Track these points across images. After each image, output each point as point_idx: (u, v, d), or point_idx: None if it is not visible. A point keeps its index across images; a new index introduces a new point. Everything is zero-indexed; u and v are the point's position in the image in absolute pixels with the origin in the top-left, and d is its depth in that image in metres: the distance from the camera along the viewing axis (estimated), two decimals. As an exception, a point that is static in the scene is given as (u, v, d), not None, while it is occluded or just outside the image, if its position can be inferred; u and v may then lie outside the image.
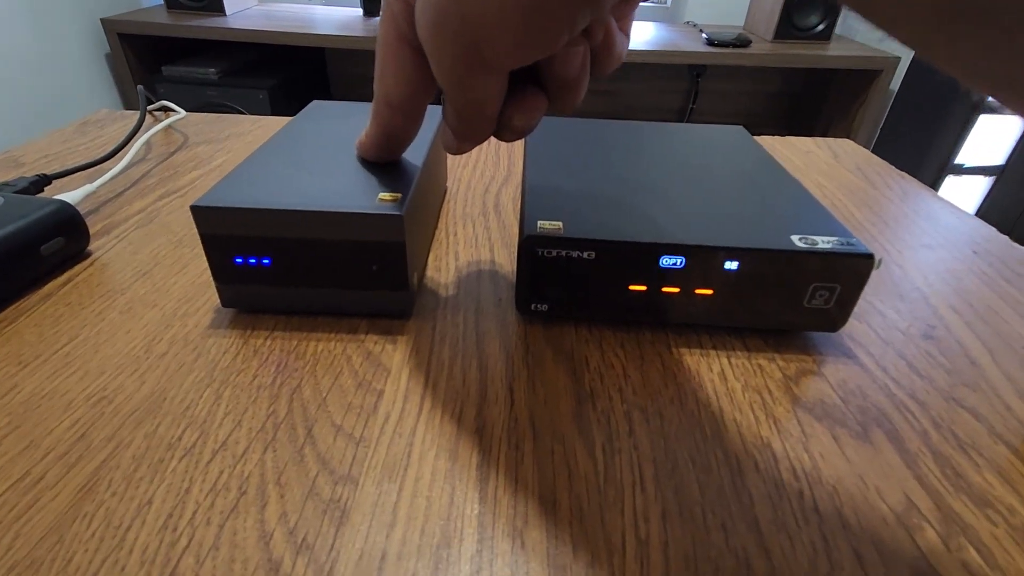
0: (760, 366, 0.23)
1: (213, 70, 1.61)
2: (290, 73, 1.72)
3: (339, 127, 0.30)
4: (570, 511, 0.17)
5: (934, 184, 1.63)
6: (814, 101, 1.84)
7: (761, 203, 0.25)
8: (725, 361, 0.23)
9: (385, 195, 0.23)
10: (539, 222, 0.23)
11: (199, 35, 1.52)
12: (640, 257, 0.23)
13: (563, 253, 0.23)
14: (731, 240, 0.23)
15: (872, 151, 1.66)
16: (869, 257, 0.22)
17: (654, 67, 1.85)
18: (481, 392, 0.21)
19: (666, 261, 0.23)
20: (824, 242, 0.23)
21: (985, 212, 1.68)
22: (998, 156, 1.61)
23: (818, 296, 0.23)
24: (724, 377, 0.23)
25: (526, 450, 0.19)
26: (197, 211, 0.22)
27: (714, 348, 0.24)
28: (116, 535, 0.16)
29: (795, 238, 0.23)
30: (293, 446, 0.19)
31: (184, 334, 0.23)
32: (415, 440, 0.19)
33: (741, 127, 0.35)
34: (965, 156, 1.60)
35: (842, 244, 0.23)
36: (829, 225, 0.24)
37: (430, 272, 0.29)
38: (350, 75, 1.93)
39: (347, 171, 0.25)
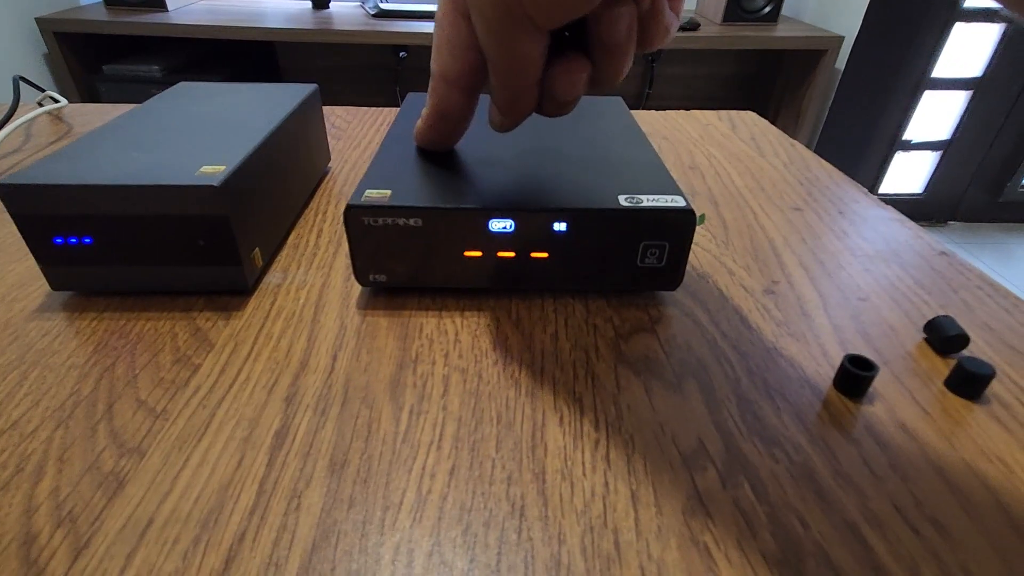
0: (595, 326, 0.23)
1: (157, 68, 1.56)
2: (238, 68, 1.68)
3: (195, 106, 0.29)
4: (357, 472, 0.17)
5: (883, 160, 1.67)
6: (766, 82, 1.87)
7: (603, 168, 0.26)
8: (562, 323, 0.24)
9: (208, 168, 0.23)
10: (367, 191, 0.23)
11: (140, 32, 1.48)
12: (468, 222, 0.23)
13: (390, 221, 0.22)
14: (558, 202, 0.23)
15: (822, 130, 1.69)
16: (690, 212, 0.22)
17: (609, 53, 1.85)
18: (303, 362, 0.21)
19: (496, 225, 0.23)
20: (649, 200, 0.23)
21: (934, 185, 1.73)
22: (944, 131, 1.65)
23: (650, 255, 0.23)
24: (556, 338, 0.23)
25: (330, 415, 0.19)
26: (4, 189, 0.21)
27: (554, 311, 0.24)
28: None
29: (622, 198, 0.23)
30: (88, 423, 0.18)
31: (6, 319, 0.23)
32: (218, 411, 0.19)
33: (619, 98, 0.36)
34: (912, 132, 1.64)
35: (666, 201, 0.23)
36: (661, 185, 0.24)
37: (287, 249, 0.28)
38: (303, 68, 1.90)
39: (182, 147, 0.24)
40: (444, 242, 0.23)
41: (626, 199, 0.23)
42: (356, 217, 0.22)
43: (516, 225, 0.23)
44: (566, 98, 0.19)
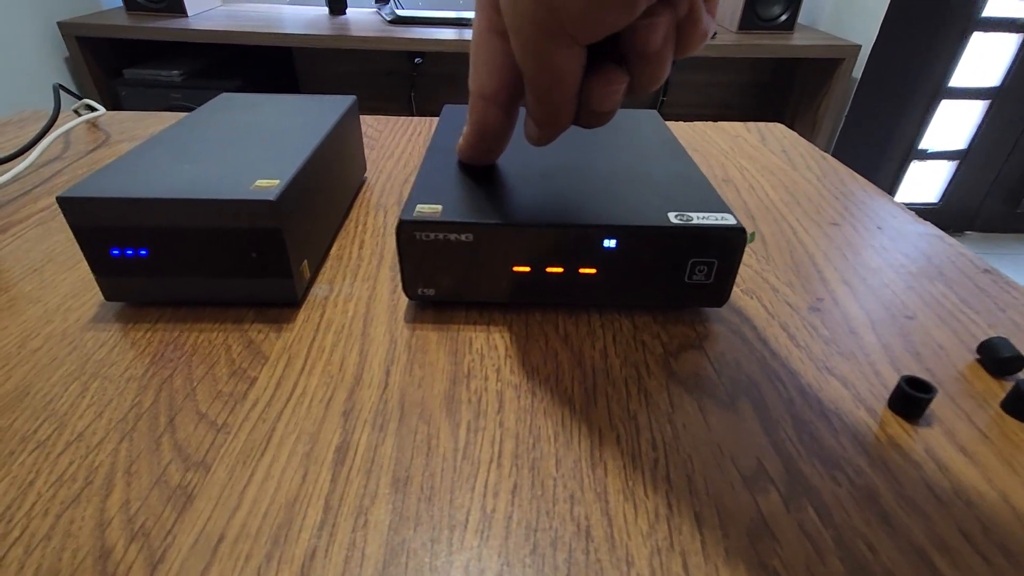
0: (643, 342, 0.23)
1: (176, 72, 1.58)
2: (256, 74, 1.70)
3: (240, 117, 0.30)
4: (420, 488, 0.17)
5: (899, 170, 1.66)
6: (782, 91, 1.86)
7: (648, 184, 0.26)
8: (610, 339, 0.24)
9: (263, 182, 0.23)
10: (418, 206, 0.23)
11: (160, 37, 1.50)
12: (519, 238, 0.23)
13: (441, 236, 0.23)
14: (608, 219, 0.23)
15: (838, 139, 1.68)
16: (741, 231, 0.22)
17: (623, 60, 1.86)
18: (356, 376, 0.21)
19: (545, 242, 0.23)
20: (699, 218, 0.23)
21: (950, 196, 1.71)
22: (960, 141, 1.64)
23: (698, 271, 0.23)
24: (605, 354, 0.23)
25: (389, 431, 0.19)
26: (64, 203, 0.22)
27: (601, 327, 0.24)
28: (-52, 528, 0.16)
29: (671, 215, 0.23)
30: (152, 435, 0.19)
31: (63, 329, 0.23)
32: (279, 425, 0.19)
33: (654, 111, 0.36)
34: (928, 141, 1.63)
35: (716, 219, 0.23)
36: (709, 202, 0.24)
37: (331, 261, 0.28)
38: (320, 73, 1.92)
39: (233, 159, 0.25)
40: (493, 257, 0.23)
41: (676, 216, 0.23)
42: (408, 232, 0.22)
43: (566, 242, 0.23)
44: (604, 109, 0.19)
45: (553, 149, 0.29)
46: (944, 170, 1.69)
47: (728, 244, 0.23)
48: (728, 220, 0.23)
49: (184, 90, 1.58)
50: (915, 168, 1.67)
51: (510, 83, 0.21)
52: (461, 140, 0.25)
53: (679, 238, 0.23)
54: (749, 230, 0.30)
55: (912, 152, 1.63)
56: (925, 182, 1.71)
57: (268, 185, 0.23)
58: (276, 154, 0.25)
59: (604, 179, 0.26)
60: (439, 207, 0.23)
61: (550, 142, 0.22)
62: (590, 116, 0.20)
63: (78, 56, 1.54)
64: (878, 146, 1.63)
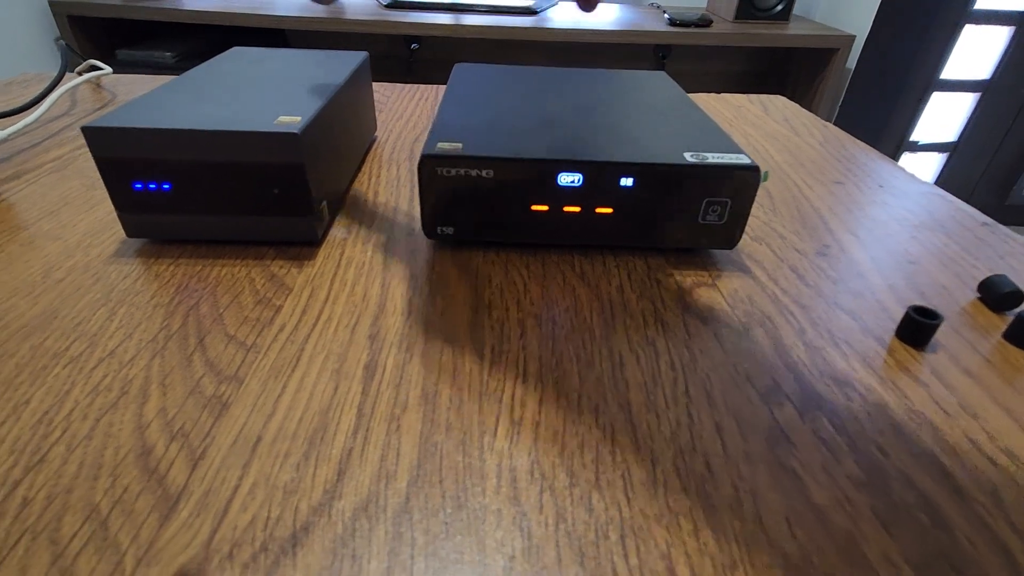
0: (658, 280, 0.24)
1: (170, 54, 1.57)
2: (250, 56, 1.68)
3: (252, 68, 0.30)
4: (449, 400, 0.18)
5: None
6: (777, 81, 1.87)
7: (663, 129, 0.26)
8: (625, 277, 0.24)
9: (284, 118, 0.23)
10: (439, 143, 0.23)
11: (154, 17, 1.48)
12: (538, 174, 0.23)
13: (462, 172, 0.23)
14: (625, 157, 0.23)
15: (831, 129, 1.69)
16: (755, 169, 0.23)
17: (618, 47, 1.86)
18: (380, 305, 0.22)
19: (564, 179, 0.23)
20: (714, 157, 0.23)
21: (941, 186, 1.73)
22: (951, 133, 1.66)
23: (712, 212, 0.24)
24: (621, 290, 0.23)
25: (415, 351, 0.19)
26: (90, 132, 0.22)
27: (617, 266, 0.25)
28: (-12, 430, 0.16)
29: (687, 154, 0.24)
30: (183, 353, 0.19)
31: (85, 263, 0.23)
32: (307, 346, 0.20)
33: (664, 73, 0.36)
34: (920, 133, 1.65)
35: (731, 159, 0.23)
36: (723, 145, 0.25)
37: (347, 208, 0.29)
38: (314, 59, 1.90)
39: (253, 101, 0.25)
40: (512, 195, 0.24)
41: (692, 155, 0.23)
42: (430, 167, 0.23)
43: (584, 179, 0.23)
44: None
45: (568, 96, 0.30)
46: (935, 162, 1.71)
47: (743, 182, 0.23)
48: (742, 159, 0.23)
49: (176, 71, 1.56)
50: (906, 159, 1.69)
51: None
52: None
53: (695, 176, 0.23)
54: (767, 171, 0.30)
55: (904, 143, 1.65)
56: (916, 174, 1.73)
57: (291, 121, 0.23)
58: (295, 97, 0.26)
59: (620, 123, 0.26)
60: (460, 144, 0.23)
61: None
62: None
63: (69, 35, 1.52)
64: (871, 137, 1.65)
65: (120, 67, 1.56)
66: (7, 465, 0.15)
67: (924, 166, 1.71)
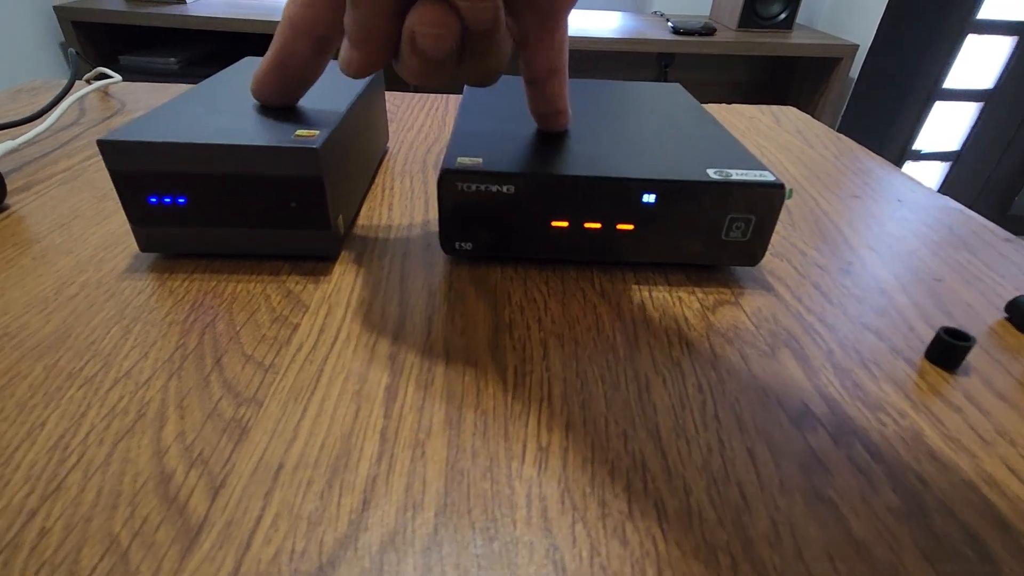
0: (680, 298, 0.24)
1: (173, 60, 1.57)
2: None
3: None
4: (474, 425, 0.17)
5: (894, 169, 1.68)
6: (779, 89, 1.88)
7: (683, 143, 0.26)
8: (646, 294, 0.24)
9: (303, 131, 0.23)
10: (459, 158, 0.23)
11: (158, 23, 1.48)
12: (559, 191, 0.23)
13: (482, 187, 0.23)
14: (648, 173, 0.23)
15: (834, 137, 1.69)
16: (780, 186, 0.23)
17: (623, 56, 1.87)
18: (399, 324, 0.21)
19: (585, 195, 0.23)
20: (738, 174, 0.23)
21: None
22: (954, 142, 1.66)
23: (735, 228, 0.24)
24: (644, 308, 0.23)
25: (437, 373, 0.19)
26: (105, 146, 0.21)
27: (637, 283, 0.24)
28: (3, 454, 0.15)
29: (711, 171, 0.23)
30: (199, 374, 0.19)
31: (98, 278, 0.23)
32: (326, 367, 0.19)
33: (678, 84, 0.36)
34: (923, 142, 1.65)
35: (755, 176, 0.23)
36: (745, 161, 0.24)
37: (361, 221, 0.28)
38: (317, 66, 1.90)
39: (269, 113, 0.25)
40: (533, 211, 0.23)
41: (715, 172, 0.23)
42: (450, 182, 0.23)
43: (605, 196, 0.23)
44: (429, 49, 0.18)
45: (585, 109, 0.29)
46: (937, 171, 1.72)
47: (768, 199, 0.23)
48: (767, 176, 0.23)
49: (181, 78, 1.57)
50: (909, 168, 1.69)
51: (325, 19, 0.20)
52: (258, 70, 0.23)
53: (719, 193, 0.23)
54: (792, 188, 0.30)
55: (907, 152, 1.65)
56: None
57: (309, 135, 0.22)
58: (311, 110, 0.25)
59: (640, 137, 0.26)
60: (480, 159, 0.23)
61: (364, 73, 0.19)
62: (412, 57, 0.18)
63: (74, 41, 1.52)
64: (874, 146, 1.65)
65: (124, 73, 1.56)
66: (23, 492, 0.15)
67: (927, 175, 1.71)
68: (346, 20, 0.18)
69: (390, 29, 0.18)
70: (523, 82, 0.25)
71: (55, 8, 1.48)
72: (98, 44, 1.58)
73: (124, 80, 0.46)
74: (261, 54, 1.72)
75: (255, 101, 0.26)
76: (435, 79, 0.19)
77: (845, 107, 1.65)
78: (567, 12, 0.22)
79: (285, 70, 0.22)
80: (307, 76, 0.23)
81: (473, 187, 0.23)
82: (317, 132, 0.23)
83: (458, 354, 0.20)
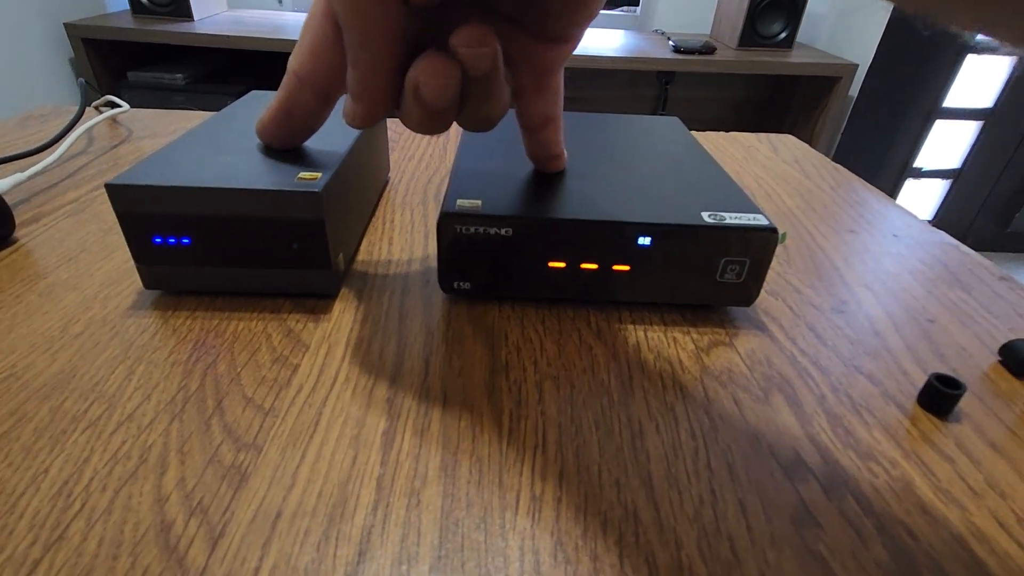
0: (675, 339, 0.24)
1: (180, 76, 1.59)
2: (260, 79, 1.71)
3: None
4: (469, 472, 0.17)
5: (894, 187, 1.69)
6: (779, 108, 1.89)
7: (679, 184, 0.26)
8: (641, 335, 0.24)
9: (305, 174, 0.23)
10: (458, 200, 0.24)
11: (166, 40, 1.51)
12: (556, 234, 0.23)
13: (481, 230, 0.23)
14: (644, 216, 0.23)
15: (834, 156, 1.71)
16: (773, 231, 0.23)
17: (623, 73, 1.89)
18: (397, 365, 0.22)
19: (582, 237, 0.23)
20: (732, 218, 0.24)
21: (943, 214, 1.74)
22: (954, 160, 1.67)
23: (729, 270, 0.24)
24: (639, 349, 0.23)
25: (434, 417, 0.19)
26: (112, 189, 0.22)
27: (632, 323, 0.25)
28: (7, 502, 0.16)
29: (705, 214, 0.24)
30: (200, 417, 0.19)
31: (103, 315, 0.23)
32: (325, 410, 0.19)
33: (676, 119, 0.37)
34: (923, 160, 1.66)
35: (748, 220, 0.23)
36: (740, 204, 0.25)
37: (361, 256, 0.29)
38: (323, 81, 1.93)
39: (271, 154, 0.25)
40: (530, 252, 0.24)
41: (709, 216, 0.24)
42: (450, 225, 0.23)
43: (602, 238, 0.23)
44: (431, 98, 0.18)
45: (582, 146, 0.30)
46: (938, 188, 1.72)
47: (761, 243, 0.23)
48: (760, 220, 0.23)
49: (188, 94, 1.59)
50: (910, 186, 1.70)
51: (330, 70, 0.20)
52: (264, 115, 0.24)
53: (713, 237, 0.23)
54: (784, 232, 0.31)
55: (907, 170, 1.66)
56: (919, 200, 1.74)
57: (311, 177, 0.23)
58: (313, 150, 0.26)
59: (636, 179, 0.27)
60: (479, 202, 0.24)
61: (367, 125, 0.20)
62: (415, 104, 0.18)
63: (83, 57, 1.55)
64: (874, 164, 1.66)
65: (131, 88, 1.58)
66: (27, 542, 0.15)
67: (927, 192, 1.71)
68: (347, 78, 0.19)
69: (390, 85, 0.19)
70: (519, 128, 0.25)
71: (65, 25, 1.51)
72: (107, 60, 1.60)
73: (132, 90, 0.47)
74: (266, 72, 1.74)
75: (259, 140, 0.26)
76: (437, 128, 0.20)
77: (844, 125, 1.66)
78: (561, 68, 0.23)
79: (291, 119, 0.23)
80: (312, 124, 0.24)
81: (472, 229, 0.23)
82: (319, 174, 0.23)
83: (455, 397, 0.20)
